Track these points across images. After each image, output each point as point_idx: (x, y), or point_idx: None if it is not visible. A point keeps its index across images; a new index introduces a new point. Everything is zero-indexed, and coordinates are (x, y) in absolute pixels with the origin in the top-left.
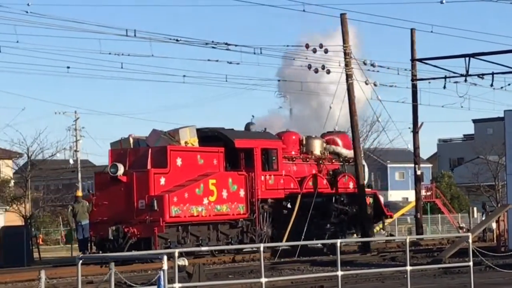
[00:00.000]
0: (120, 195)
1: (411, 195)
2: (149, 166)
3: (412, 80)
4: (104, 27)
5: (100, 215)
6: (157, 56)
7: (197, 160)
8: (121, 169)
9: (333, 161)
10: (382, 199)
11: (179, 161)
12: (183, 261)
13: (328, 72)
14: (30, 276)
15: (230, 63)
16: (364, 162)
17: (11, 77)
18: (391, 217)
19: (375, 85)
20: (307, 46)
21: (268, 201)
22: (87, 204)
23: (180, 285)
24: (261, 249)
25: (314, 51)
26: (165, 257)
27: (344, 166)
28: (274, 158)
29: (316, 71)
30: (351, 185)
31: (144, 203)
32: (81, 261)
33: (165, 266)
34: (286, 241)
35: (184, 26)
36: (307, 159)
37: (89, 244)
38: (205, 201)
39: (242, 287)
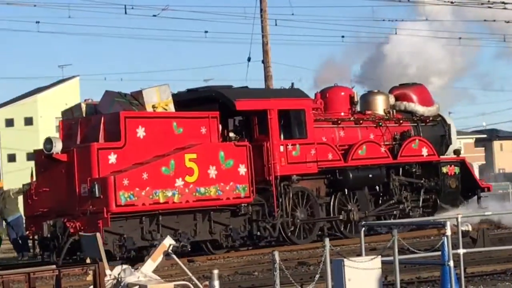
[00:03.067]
0: (61, 179)
1: None
2: (101, 140)
3: None
4: None
5: (40, 207)
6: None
7: (173, 130)
8: (58, 145)
9: (401, 122)
10: (475, 168)
11: (140, 132)
12: (467, 227)
13: None
14: None
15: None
16: (450, 120)
17: (287, 49)
18: (488, 190)
19: None
20: None
21: (293, 178)
22: (11, 194)
23: (465, 250)
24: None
25: None
26: (448, 223)
27: (418, 128)
28: (299, 121)
29: None
30: (424, 151)
31: (86, 189)
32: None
33: (448, 232)
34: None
35: None
36: (360, 121)
37: (31, 243)
38: (179, 182)
39: None
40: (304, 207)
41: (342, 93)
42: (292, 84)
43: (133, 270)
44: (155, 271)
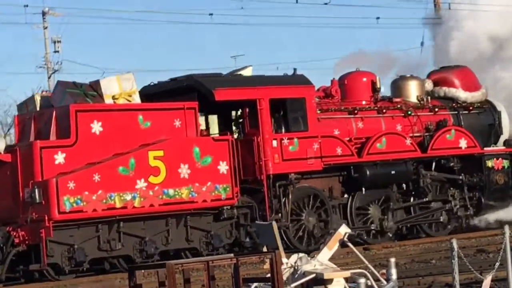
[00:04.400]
0: (6, 182)
1: None
2: (52, 137)
3: None
4: None
5: None
6: None
7: (139, 124)
8: (0, 144)
9: (436, 110)
10: None
11: (96, 127)
12: None
13: None
14: None
15: None
16: (501, 107)
17: None
18: None
19: None
20: None
21: (290, 176)
22: None
23: None
24: None
25: None
26: None
27: (458, 116)
28: (298, 112)
29: None
30: (463, 143)
31: (29, 194)
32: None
33: None
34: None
35: None
36: (384, 110)
37: None
38: (141, 184)
39: None
40: (312, 209)
41: (364, 79)
42: (295, 70)
43: (309, 258)
44: (331, 259)
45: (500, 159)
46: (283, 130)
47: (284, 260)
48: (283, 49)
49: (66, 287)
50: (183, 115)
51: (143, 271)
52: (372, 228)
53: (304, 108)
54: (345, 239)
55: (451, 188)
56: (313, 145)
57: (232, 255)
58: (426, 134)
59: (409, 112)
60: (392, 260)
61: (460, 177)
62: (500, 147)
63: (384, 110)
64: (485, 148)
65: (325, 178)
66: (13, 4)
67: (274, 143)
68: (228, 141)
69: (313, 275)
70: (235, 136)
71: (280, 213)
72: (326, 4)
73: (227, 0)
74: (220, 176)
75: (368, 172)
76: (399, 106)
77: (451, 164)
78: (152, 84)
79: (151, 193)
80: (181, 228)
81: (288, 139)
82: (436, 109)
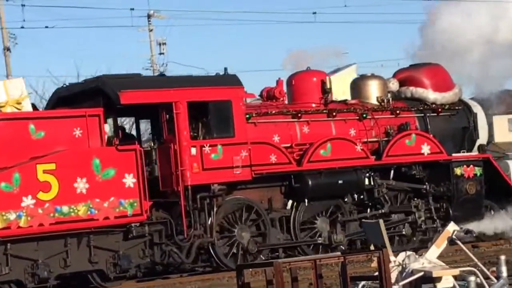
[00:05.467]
0: None
1: None
2: None
3: None
4: None
5: None
6: None
7: (30, 134)
8: None
9: (398, 112)
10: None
11: None
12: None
13: None
14: None
15: None
16: (477, 109)
17: None
18: None
19: None
20: None
21: (213, 188)
22: None
23: None
24: None
25: None
26: None
27: (425, 119)
28: (223, 116)
29: None
30: (425, 149)
31: None
32: None
33: None
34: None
35: None
36: (334, 113)
37: None
38: (27, 201)
39: None
40: (246, 223)
41: (314, 79)
42: (225, 69)
43: (417, 256)
44: (439, 257)
45: (471, 166)
46: (205, 136)
47: (392, 258)
48: (386, 46)
49: None
50: (84, 123)
51: (250, 270)
52: (319, 241)
53: (230, 112)
54: (454, 236)
55: (415, 199)
56: (240, 153)
57: (339, 253)
58: (383, 139)
59: (364, 115)
60: (503, 257)
61: (424, 187)
62: (474, 153)
63: (335, 113)
64: (453, 154)
65: (264, 189)
66: (119, 8)
67: (193, 150)
68: (135, 150)
69: (422, 273)
70: (154, 143)
71: (203, 228)
72: None
73: None
74: (126, 190)
75: (310, 182)
76: (353, 108)
77: (413, 172)
78: (64, 86)
79: (40, 211)
80: (83, 248)
81: (210, 146)
82: (398, 112)
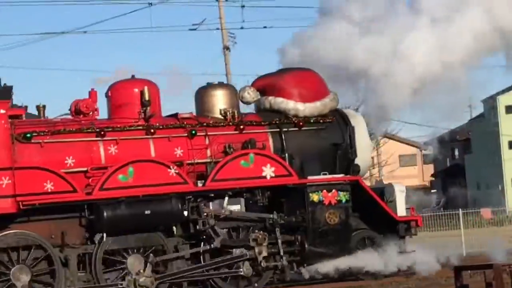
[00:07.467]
0: None
1: None
2: None
3: None
4: None
5: None
6: None
7: None
8: None
9: (242, 127)
10: (400, 191)
11: None
12: None
13: None
14: None
15: None
16: (357, 121)
17: None
18: (417, 224)
19: None
20: None
21: None
22: None
23: None
24: None
25: None
26: None
27: (281, 135)
28: None
29: None
30: (268, 171)
31: None
32: None
33: None
34: None
35: None
36: (152, 130)
37: None
38: None
39: None
40: (26, 263)
41: (136, 90)
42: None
43: None
44: None
45: (333, 191)
46: None
47: None
48: None
49: None
50: None
51: (469, 271)
52: (122, 286)
53: None
54: None
55: (256, 231)
56: (1, 180)
57: None
58: (217, 160)
59: (194, 132)
60: None
61: (271, 216)
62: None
63: (153, 130)
64: (309, 177)
65: (57, 220)
66: None
67: None
68: None
69: None
70: None
71: None
72: None
73: None
74: None
75: (105, 213)
76: (180, 124)
77: (256, 198)
78: None
79: None
80: None
81: None
82: (242, 126)
